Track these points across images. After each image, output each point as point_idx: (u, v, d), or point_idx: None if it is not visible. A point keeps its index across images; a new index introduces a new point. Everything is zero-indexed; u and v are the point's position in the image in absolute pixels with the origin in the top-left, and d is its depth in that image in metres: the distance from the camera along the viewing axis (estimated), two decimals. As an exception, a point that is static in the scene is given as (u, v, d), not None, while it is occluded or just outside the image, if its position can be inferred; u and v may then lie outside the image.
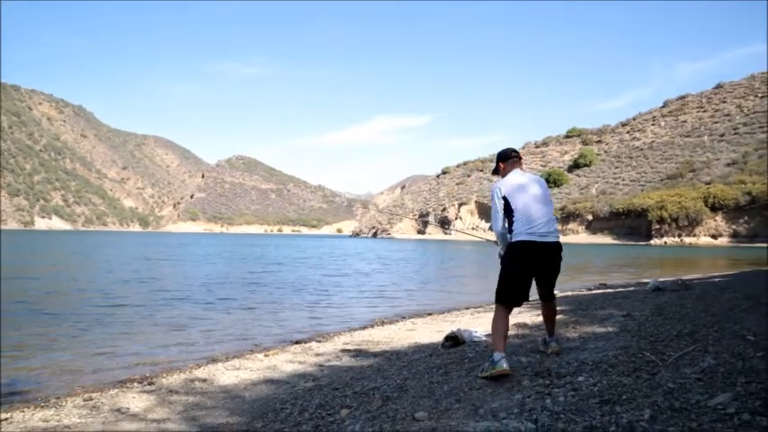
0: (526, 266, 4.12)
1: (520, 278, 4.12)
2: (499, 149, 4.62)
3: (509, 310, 4.16)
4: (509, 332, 4.60)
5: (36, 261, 26.27)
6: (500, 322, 4.07)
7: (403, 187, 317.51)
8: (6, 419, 4.03)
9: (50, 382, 5.35)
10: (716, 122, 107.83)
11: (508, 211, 4.21)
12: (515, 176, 4.32)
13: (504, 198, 4.21)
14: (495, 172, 4.54)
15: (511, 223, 4.21)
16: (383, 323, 8.90)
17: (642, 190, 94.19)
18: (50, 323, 8.69)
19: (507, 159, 4.47)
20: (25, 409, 4.31)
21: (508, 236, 4.25)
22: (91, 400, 4.51)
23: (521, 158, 4.50)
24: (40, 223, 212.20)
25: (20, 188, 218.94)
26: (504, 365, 3.80)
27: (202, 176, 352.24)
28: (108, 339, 7.52)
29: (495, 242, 4.50)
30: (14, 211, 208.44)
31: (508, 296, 4.12)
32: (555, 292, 4.59)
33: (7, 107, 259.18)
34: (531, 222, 4.11)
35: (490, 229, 4.81)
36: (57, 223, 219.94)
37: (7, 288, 13.98)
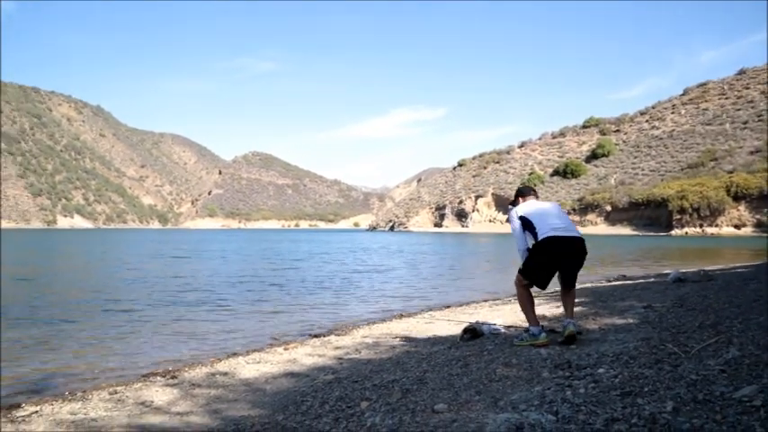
0: (551, 258, 4.58)
1: (544, 266, 4.60)
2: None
3: (530, 287, 4.73)
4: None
5: (64, 260, 26.75)
6: (526, 300, 4.72)
7: (419, 180, 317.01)
8: (36, 412, 4.13)
9: (76, 376, 5.46)
10: (738, 109, 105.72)
11: (529, 226, 4.70)
12: (529, 202, 4.97)
13: (522, 217, 4.77)
14: (513, 204, 5.06)
15: (534, 233, 4.65)
16: (401, 316, 8.91)
17: (662, 180, 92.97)
18: (76, 320, 8.84)
19: (524, 195, 5.11)
20: (54, 402, 4.40)
21: (530, 242, 4.75)
22: (116, 393, 4.59)
23: (536, 194, 5.16)
24: (63, 222, 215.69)
25: (42, 188, 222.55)
26: (545, 337, 4.54)
27: (219, 173, 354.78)
28: (131, 335, 7.64)
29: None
30: (38, 210, 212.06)
31: (531, 276, 4.64)
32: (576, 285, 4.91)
33: (28, 109, 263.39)
34: (550, 223, 4.60)
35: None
36: (78, 222, 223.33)
37: (37, 286, 14.29)
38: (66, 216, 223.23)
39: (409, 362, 4.75)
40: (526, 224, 4.73)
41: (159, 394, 4.46)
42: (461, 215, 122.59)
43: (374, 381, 4.09)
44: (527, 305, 4.73)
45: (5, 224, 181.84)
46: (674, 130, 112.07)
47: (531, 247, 4.69)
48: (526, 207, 4.86)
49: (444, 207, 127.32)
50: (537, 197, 5.13)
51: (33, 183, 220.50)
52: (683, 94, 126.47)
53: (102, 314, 9.38)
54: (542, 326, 4.79)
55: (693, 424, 2.24)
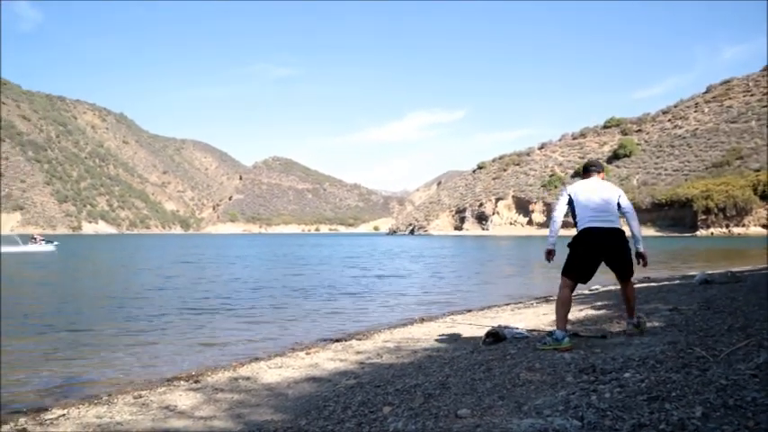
0: (589, 249, 4.71)
1: (584, 259, 4.72)
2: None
3: (573, 286, 4.79)
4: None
5: (88, 266, 27.21)
6: (563, 302, 4.73)
7: (439, 183, 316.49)
8: (64, 415, 4.20)
9: (102, 381, 5.53)
10: (765, 106, 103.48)
11: (572, 207, 4.92)
12: (586, 181, 5.06)
13: (569, 195, 4.95)
14: (576, 176, 5.05)
15: (575, 216, 4.87)
16: (423, 320, 8.88)
17: (686, 179, 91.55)
18: (100, 325, 8.98)
19: (586, 172, 5.22)
20: (80, 406, 4.47)
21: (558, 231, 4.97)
22: (140, 397, 4.64)
23: (599, 171, 5.19)
24: (88, 228, 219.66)
25: (68, 194, 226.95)
26: (568, 342, 4.55)
27: (240, 178, 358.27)
28: (154, 339, 7.73)
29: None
30: (64, 216, 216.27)
31: (573, 272, 4.74)
32: (619, 282, 5.02)
33: (54, 117, 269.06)
34: (590, 213, 4.76)
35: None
36: (103, 227, 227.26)
37: (61, 292, 14.54)
38: (90, 222, 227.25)
39: (431, 366, 4.73)
40: (571, 206, 4.94)
41: (183, 398, 4.50)
42: (482, 218, 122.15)
43: (396, 385, 4.08)
44: (562, 307, 4.73)
45: (32, 230, 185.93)
46: (697, 129, 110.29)
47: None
48: (578, 187, 4.98)
49: (464, 210, 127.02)
50: (599, 173, 5.16)
51: (59, 189, 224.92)
52: (706, 92, 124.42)
53: (126, 319, 9.50)
54: (567, 329, 4.74)
55: (724, 430, 2.19)
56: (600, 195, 4.86)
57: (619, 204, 4.88)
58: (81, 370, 6.00)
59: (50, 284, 16.34)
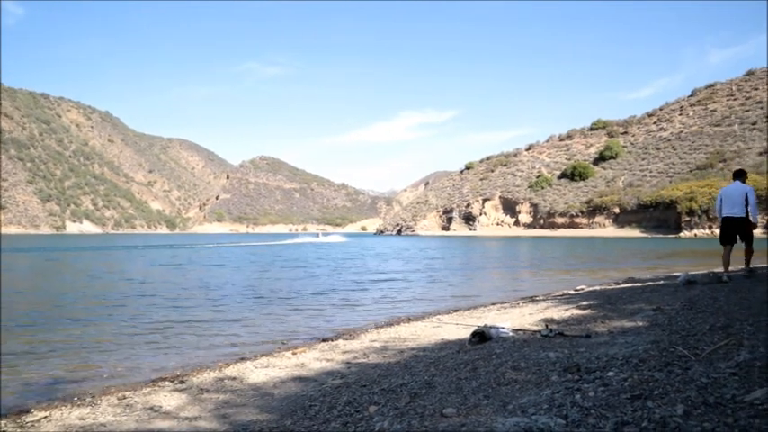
0: (724, 227, 8.93)
1: (723, 232, 8.98)
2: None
3: (725, 248, 9.03)
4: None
5: (72, 268, 26.92)
6: (723, 258, 9.10)
7: (426, 184, 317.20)
8: (46, 417, 4.15)
9: (86, 382, 5.48)
10: (747, 111, 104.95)
11: (721, 202, 8.83)
12: (730, 185, 8.90)
13: (719, 196, 8.94)
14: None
15: (721, 211, 8.89)
16: (409, 320, 8.90)
17: (670, 182, 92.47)
18: (84, 326, 8.89)
19: (734, 176, 9.06)
20: (63, 408, 4.43)
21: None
22: (125, 398, 4.61)
23: (738, 176, 9.02)
24: (72, 227, 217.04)
25: (51, 194, 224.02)
26: (724, 278, 8.59)
27: (227, 178, 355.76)
28: (139, 340, 7.67)
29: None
30: (47, 216, 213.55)
31: (722, 240, 8.98)
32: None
33: (37, 115, 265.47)
34: (726, 207, 8.74)
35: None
36: (87, 227, 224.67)
37: (43, 293, 14.40)
38: (74, 221, 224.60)
39: (417, 366, 4.74)
40: (721, 202, 8.83)
41: (168, 399, 4.47)
42: (469, 218, 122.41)
43: (382, 385, 4.09)
44: (723, 259, 9.11)
45: (14, 230, 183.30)
46: (681, 132, 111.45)
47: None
48: (726, 189, 8.92)
49: (452, 210, 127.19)
50: (742, 179, 8.90)
51: (42, 188, 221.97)
52: (691, 96, 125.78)
53: (110, 320, 9.42)
54: (727, 271, 8.95)
55: (704, 428, 2.22)
56: (734, 195, 8.65)
57: (747, 198, 8.49)
58: (64, 371, 5.94)
59: (26, 291, 16.12)
